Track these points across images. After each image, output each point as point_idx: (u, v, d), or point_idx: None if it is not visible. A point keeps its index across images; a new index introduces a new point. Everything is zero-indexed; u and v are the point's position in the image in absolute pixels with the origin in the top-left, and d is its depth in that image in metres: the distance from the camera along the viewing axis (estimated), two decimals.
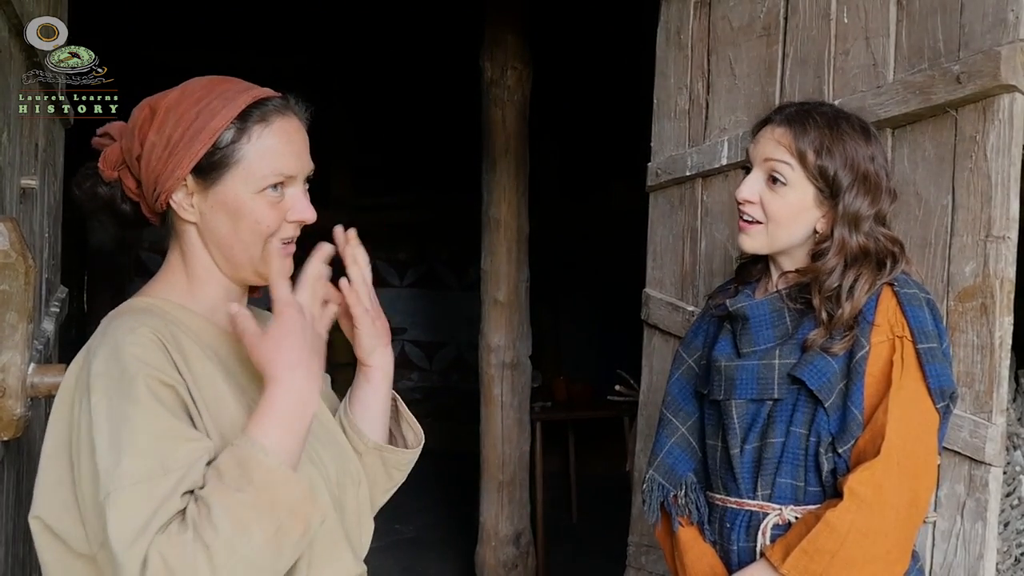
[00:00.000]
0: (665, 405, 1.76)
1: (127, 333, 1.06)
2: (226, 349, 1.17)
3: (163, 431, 1.00)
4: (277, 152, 1.15)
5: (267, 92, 1.18)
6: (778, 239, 1.57)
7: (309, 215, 1.19)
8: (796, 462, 1.53)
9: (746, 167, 1.62)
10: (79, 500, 1.03)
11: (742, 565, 1.55)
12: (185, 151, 1.12)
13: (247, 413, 1.10)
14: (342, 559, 1.18)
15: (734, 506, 1.59)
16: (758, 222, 1.57)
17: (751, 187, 1.57)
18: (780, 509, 1.53)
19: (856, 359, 1.49)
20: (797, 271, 1.59)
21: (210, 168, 1.13)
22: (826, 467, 1.50)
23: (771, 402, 1.55)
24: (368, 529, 1.28)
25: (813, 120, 1.54)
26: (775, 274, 1.63)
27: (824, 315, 1.52)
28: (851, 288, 1.51)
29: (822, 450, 1.50)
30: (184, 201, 1.15)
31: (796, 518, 1.52)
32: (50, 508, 1.06)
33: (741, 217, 1.60)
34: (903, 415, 1.45)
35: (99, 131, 1.20)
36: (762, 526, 1.54)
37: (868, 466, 1.43)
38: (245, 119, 1.13)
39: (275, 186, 1.15)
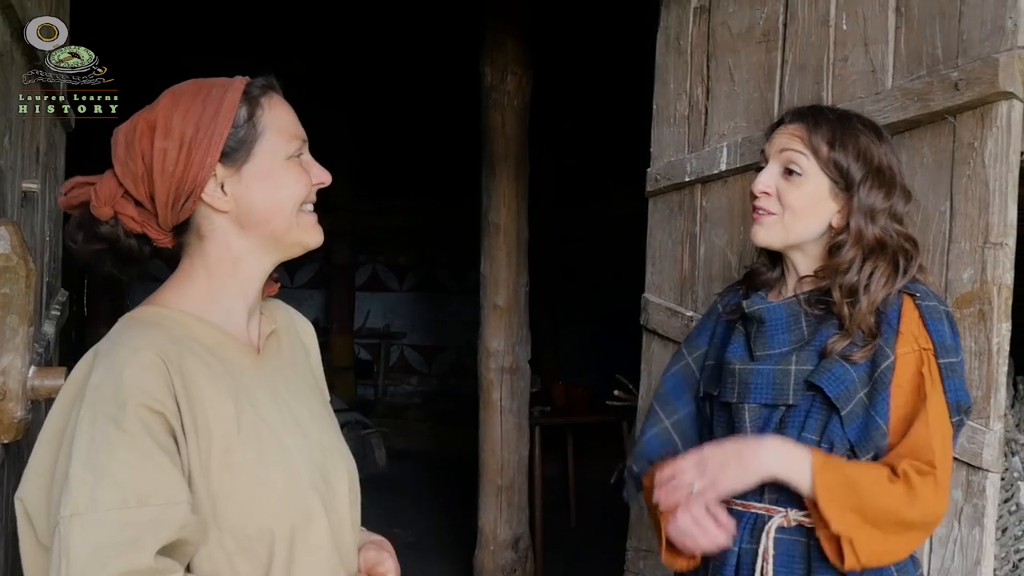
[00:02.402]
0: (655, 397, 1.76)
1: (130, 353, 1.06)
2: (239, 360, 1.17)
3: (145, 463, 1.00)
4: (289, 119, 1.20)
5: (247, 77, 1.20)
6: (793, 231, 1.57)
7: (327, 177, 1.24)
8: None
9: (759, 167, 1.62)
10: (49, 496, 1.04)
11: (741, 567, 1.55)
12: (207, 140, 1.12)
13: (250, 429, 1.11)
14: None
15: (740, 508, 1.58)
16: (772, 213, 1.57)
17: (767, 179, 1.57)
18: (785, 512, 1.53)
19: (881, 369, 1.48)
20: (815, 274, 1.58)
21: (238, 146, 1.15)
22: None
23: (784, 408, 1.54)
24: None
25: (825, 116, 1.57)
26: (791, 279, 1.62)
27: (845, 311, 1.51)
28: (868, 282, 1.51)
29: (834, 454, 1.50)
30: (215, 192, 1.15)
31: (802, 519, 1.51)
32: (30, 494, 1.07)
33: (755, 210, 1.59)
34: (940, 430, 1.46)
35: (63, 189, 1.17)
36: (767, 527, 1.53)
37: (931, 473, 1.43)
38: (248, 96, 1.16)
39: (297, 151, 1.20)
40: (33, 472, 1.07)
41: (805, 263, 1.60)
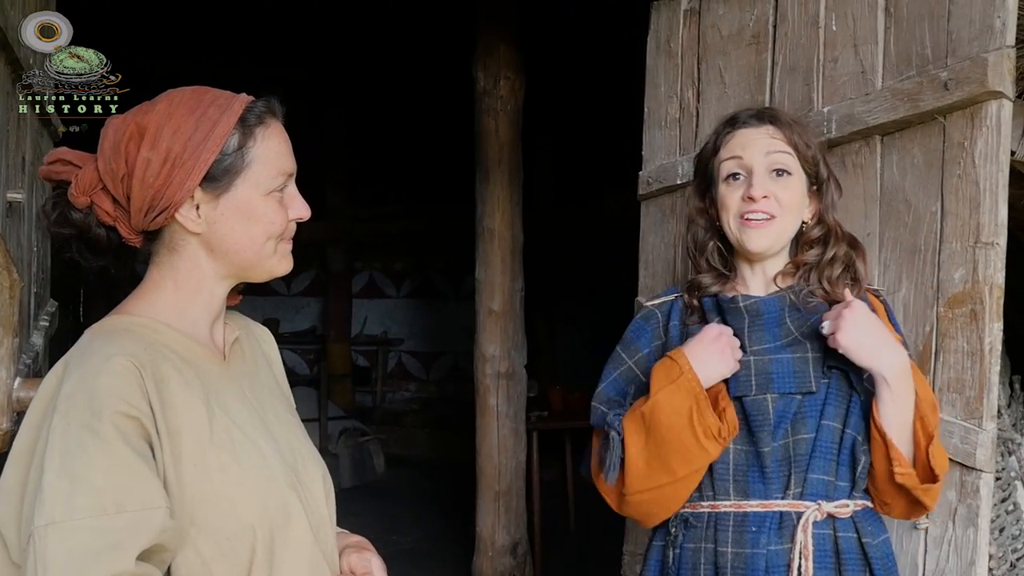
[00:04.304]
0: (603, 403, 1.72)
1: (103, 360, 1.05)
2: (208, 367, 1.17)
3: (121, 468, 1.00)
4: (279, 152, 1.18)
5: (250, 97, 1.19)
6: (785, 232, 1.59)
7: (306, 212, 1.23)
8: (828, 457, 1.51)
9: (734, 174, 1.60)
10: (21, 513, 1.02)
11: (770, 570, 1.50)
12: (192, 162, 1.11)
13: (223, 432, 1.11)
14: None
15: (758, 509, 1.53)
16: (772, 217, 1.56)
17: (763, 184, 1.56)
18: (818, 505, 1.50)
19: None
20: (795, 266, 1.61)
21: (221, 176, 1.13)
22: (864, 459, 1.50)
23: (800, 396, 1.53)
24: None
25: (787, 116, 1.63)
26: (755, 281, 1.63)
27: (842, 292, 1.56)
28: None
29: (859, 439, 1.50)
30: (190, 213, 1.14)
31: (833, 510, 1.50)
32: (2, 512, 1.05)
33: (751, 217, 1.56)
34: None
35: (47, 159, 1.17)
36: (802, 523, 1.49)
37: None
38: (244, 123, 1.15)
39: (280, 186, 1.18)
40: (4, 490, 1.06)
41: (776, 264, 1.63)
